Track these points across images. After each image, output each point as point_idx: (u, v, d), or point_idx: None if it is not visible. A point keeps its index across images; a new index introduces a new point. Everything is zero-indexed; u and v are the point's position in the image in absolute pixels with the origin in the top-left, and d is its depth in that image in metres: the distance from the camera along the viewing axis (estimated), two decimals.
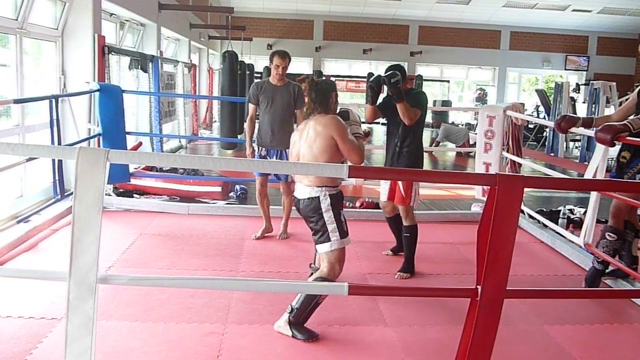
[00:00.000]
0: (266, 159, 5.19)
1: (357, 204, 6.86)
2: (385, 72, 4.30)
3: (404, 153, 4.48)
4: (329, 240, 3.39)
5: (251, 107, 5.28)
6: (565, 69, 23.82)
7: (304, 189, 3.41)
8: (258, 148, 5.29)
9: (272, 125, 5.16)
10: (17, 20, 5.89)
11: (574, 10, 21.02)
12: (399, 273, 4.51)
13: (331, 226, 3.38)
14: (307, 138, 3.44)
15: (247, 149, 5.38)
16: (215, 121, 16.69)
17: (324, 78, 4.77)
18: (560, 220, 6.21)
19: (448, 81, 24.17)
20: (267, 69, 16.37)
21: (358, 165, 3.31)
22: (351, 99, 22.15)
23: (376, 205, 6.75)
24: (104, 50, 7.04)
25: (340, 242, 3.40)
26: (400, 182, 4.42)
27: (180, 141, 12.36)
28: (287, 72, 5.23)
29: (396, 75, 4.18)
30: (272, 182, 5.53)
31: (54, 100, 5.41)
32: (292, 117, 5.28)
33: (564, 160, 12.89)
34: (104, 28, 7.43)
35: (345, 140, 3.36)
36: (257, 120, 5.35)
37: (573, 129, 4.48)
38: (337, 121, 3.42)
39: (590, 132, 4.37)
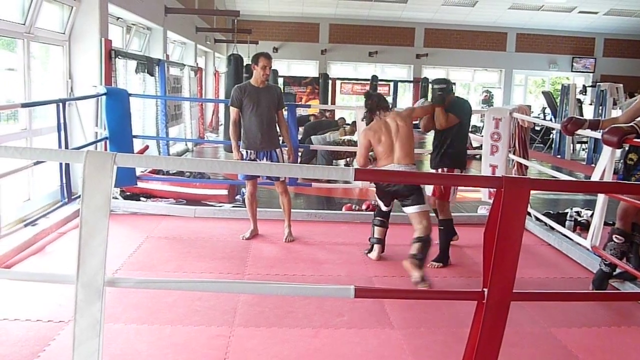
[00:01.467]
0: (256, 161, 5.19)
1: (364, 207, 6.86)
2: (435, 82, 4.98)
3: (446, 154, 4.95)
4: (423, 201, 4.49)
5: (235, 110, 5.22)
6: (572, 71, 23.75)
7: (404, 167, 4.48)
8: (246, 152, 5.25)
9: (261, 127, 5.16)
10: (24, 24, 5.93)
11: (580, 12, 20.97)
12: (432, 262, 4.78)
13: (423, 190, 4.56)
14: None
15: (234, 154, 5.29)
16: (221, 124, 16.71)
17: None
18: (567, 223, 6.19)
19: (454, 83, 24.08)
20: (273, 72, 16.38)
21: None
22: (357, 102, 22.15)
23: None
24: (110, 54, 7.08)
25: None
26: None
27: (186, 144, 12.39)
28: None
29: (443, 83, 4.92)
30: (262, 184, 5.63)
31: (61, 104, 5.44)
32: (275, 118, 5.34)
33: (571, 163, 12.85)
34: (110, 32, 7.47)
35: None
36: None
37: (580, 131, 4.47)
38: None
39: (597, 134, 4.36)
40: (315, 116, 15.48)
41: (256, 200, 5.52)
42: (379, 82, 22.11)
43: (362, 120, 4.97)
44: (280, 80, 20.26)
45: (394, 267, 4.76)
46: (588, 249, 4.69)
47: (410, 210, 4.51)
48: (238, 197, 7.28)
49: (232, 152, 5.30)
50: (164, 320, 3.56)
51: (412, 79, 23.36)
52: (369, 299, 3.89)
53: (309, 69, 22.72)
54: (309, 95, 21.34)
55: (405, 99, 24.13)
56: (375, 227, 5.00)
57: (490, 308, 2.18)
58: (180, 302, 3.77)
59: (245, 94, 5.17)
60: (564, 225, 5.73)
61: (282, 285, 3.11)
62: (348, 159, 10.28)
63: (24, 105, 5.52)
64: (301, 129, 10.80)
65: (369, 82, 22.05)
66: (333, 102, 22.07)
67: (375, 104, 4.68)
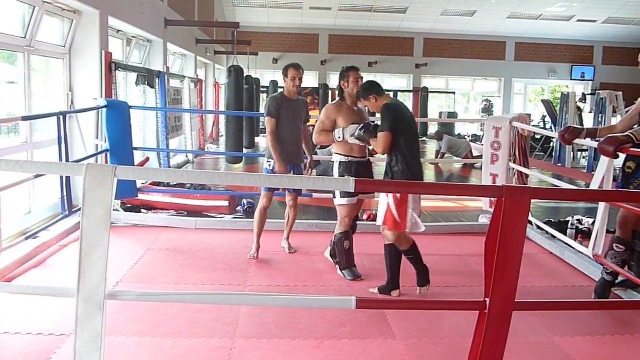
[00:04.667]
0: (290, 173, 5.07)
1: (364, 217, 6.85)
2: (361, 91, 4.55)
3: (392, 173, 4.31)
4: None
5: (272, 121, 5.05)
6: (571, 79, 23.81)
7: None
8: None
9: (292, 139, 5.13)
10: (24, 37, 5.96)
11: (578, 20, 21.06)
12: (418, 288, 4.39)
13: None
14: None
15: (278, 166, 5.00)
16: (221, 135, 16.74)
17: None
18: (568, 231, 6.18)
19: (454, 92, 24.18)
20: (273, 83, 16.40)
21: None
22: None
23: None
24: (110, 67, 7.10)
25: None
26: (392, 204, 4.16)
27: (187, 156, 12.40)
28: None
29: (365, 127, 4.52)
30: (277, 195, 5.54)
31: (61, 117, 5.45)
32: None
33: (571, 170, 12.85)
34: (110, 44, 7.50)
35: None
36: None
37: (577, 140, 4.47)
38: None
39: (595, 143, 4.36)
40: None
41: (266, 216, 5.26)
42: None
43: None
44: (279, 91, 20.23)
45: None
46: (590, 257, 4.68)
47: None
48: (239, 208, 7.28)
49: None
50: (165, 332, 3.55)
51: (411, 89, 23.43)
52: (371, 309, 3.87)
53: (308, 79, 22.76)
54: (309, 106, 21.28)
55: None
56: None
57: (492, 317, 2.18)
58: (181, 314, 3.76)
59: (281, 105, 5.11)
60: (565, 234, 5.72)
61: (283, 297, 3.11)
62: None
63: (25, 118, 5.53)
64: None
65: None
66: None
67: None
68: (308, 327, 3.69)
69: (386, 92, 4.53)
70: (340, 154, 4.75)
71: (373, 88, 4.42)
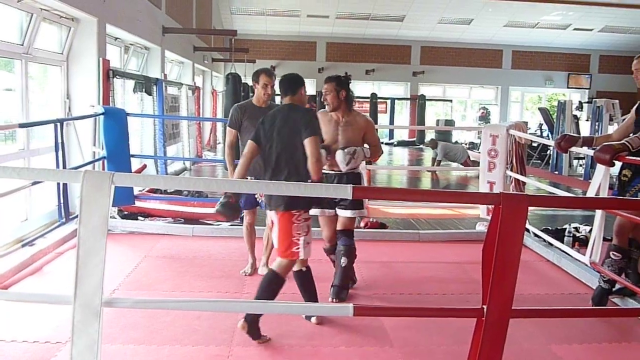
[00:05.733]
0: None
1: (362, 224, 6.84)
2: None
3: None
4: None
5: (232, 132, 4.67)
6: (568, 87, 23.90)
7: None
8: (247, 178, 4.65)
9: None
10: (22, 45, 5.96)
11: (575, 29, 21.19)
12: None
13: None
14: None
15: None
16: (219, 143, 16.74)
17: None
18: (565, 239, 6.19)
19: (451, 100, 24.25)
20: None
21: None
22: None
23: (381, 225, 6.75)
24: (108, 74, 7.11)
25: None
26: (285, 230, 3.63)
27: (184, 163, 12.40)
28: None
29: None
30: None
31: (59, 124, 5.45)
32: None
33: (568, 179, 12.87)
34: (108, 52, 7.51)
35: None
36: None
37: (574, 148, 4.48)
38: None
39: (592, 152, 4.37)
40: None
41: (254, 230, 4.97)
42: (377, 100, 22.26)
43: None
44: (278, 99, 20.28)
45: (393, 285, 4.75)
46: (587, 265, 4.68)
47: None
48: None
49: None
50: (162, 340, 3.53)
51: (409, 97, 23.49)
52: (369, 317, 3.87)
53: (306, 87, 22.81)
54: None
55: (402, 117, 24.25)
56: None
57: (489, 325, 2.18)
58: (178, 322, 3.75)
59: (245, 114, 4.65)
60: (562, 241, 5.72)
61: (281, 304, 3.10)
62: None
63: (22, 126, 5.52)
64: None
65: (367, 99, 22.17)
66: None
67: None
68: (306, 335, 3.68)
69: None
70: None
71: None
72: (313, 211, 4.03)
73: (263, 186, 3.39)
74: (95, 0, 6.90)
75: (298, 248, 3.58)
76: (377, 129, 4.47)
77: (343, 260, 4.30)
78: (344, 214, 4.34)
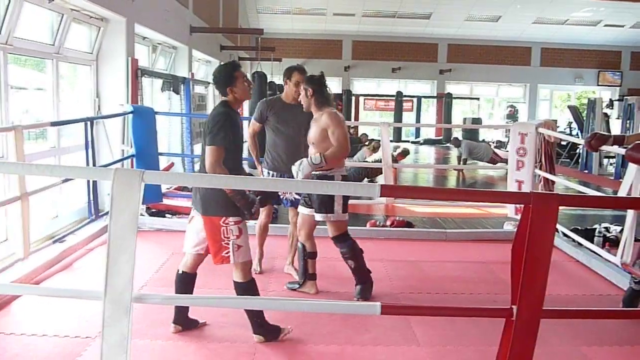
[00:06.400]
0: None
1: (388, 223, 6.83)
2: None
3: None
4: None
5: (255, 124, 4.72)
6: (598, 85, 23.50)
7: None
8: (269, 173, 4.72)
9: (288, 149, 4.60)
10: (53, 45, 6.06)
11: (606, 26, 20.82)
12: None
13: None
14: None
15: (258, 170, 4.86)
16: (245, 141, 16.78)
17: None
18: (595, 239, 6.08)
19: (478, 99, 24.02)
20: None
21: None
22: (380, 117, 22.19)
23: (407, 224, 6.72)
24: (137, 73, 7.19)
25: None
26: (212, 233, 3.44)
27: None
28: None
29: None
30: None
31: (89, 123, 5.53)
32: (304, 140, 4.54)
33: (598, 178, 12.66)
34: (137, 51, 7.60)
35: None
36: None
37: (604, 147, 4.40)
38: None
39: (623, 150, 4.29)
40: None
41: (268, 230, 5.00)
42: (403, 98, 22.15)
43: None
44: None
45: (420, 284, 4.72)
46: (618, 266, 4.60)
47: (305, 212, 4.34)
48: None
49: (256, 168, 4.93)
50: (189, 336, 3.56)
51: (435, 95, 23.34)
52: (395, 316, 3.85)
53: (332, 85, 22.65)
54: None
55: (429, 115, 24.10)
56: (309, 261, 4.44)
57: (519, 325, 2.15)
58: (205, 318, 3.77)
59: (272, 109, 4.64)
60: (592, 241, 5.63)
61: (306, 302, 3.11)
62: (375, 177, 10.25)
63: (54, 124, 5.62)
64: None
65: (392, 98, 22.08)
66: (357, 119, 22.13)
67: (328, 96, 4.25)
68: (331, 333, 3.68)
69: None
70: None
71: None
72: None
73: (292, 185, 3.40)
74: (124, 1, 6.98)
75: (228, 252, 3.36)
76: (346, 127, 4.25)
77: (350, 264, 4.34)
78: (307, 211, 4.35)
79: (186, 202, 7.09)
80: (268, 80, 13.14)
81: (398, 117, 21.97)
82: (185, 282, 3.61)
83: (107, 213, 5.37)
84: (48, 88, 6.15)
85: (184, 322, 3.61)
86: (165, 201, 6.84)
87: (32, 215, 4.57)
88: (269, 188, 4.10)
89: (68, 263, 4.96)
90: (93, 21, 6.75)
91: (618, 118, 15.48)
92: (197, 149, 11.09)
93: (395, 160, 9.98)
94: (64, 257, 5.01)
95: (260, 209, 4.48)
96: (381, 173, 9.63)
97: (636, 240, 4.44)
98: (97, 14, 6.71)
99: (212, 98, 12.40)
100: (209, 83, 12.36)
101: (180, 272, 3.64)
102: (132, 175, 2.08)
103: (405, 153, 11.72)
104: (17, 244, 4.51)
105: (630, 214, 4.34)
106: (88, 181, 5.58)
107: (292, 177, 4.34)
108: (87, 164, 5.53)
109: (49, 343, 3.42)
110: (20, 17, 5.23)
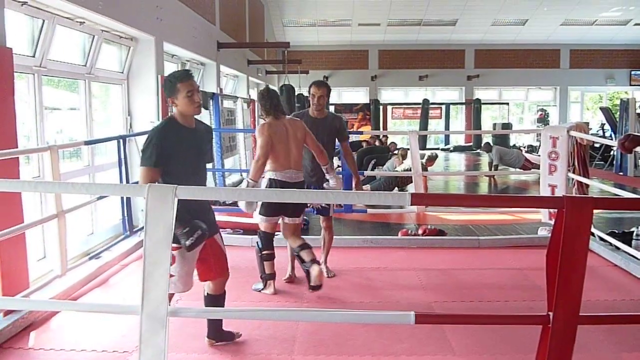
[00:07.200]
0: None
1: (420, 232, 6.78)
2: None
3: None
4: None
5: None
6: (631, 85, 23.06)
7: (299, 173, 4.49)
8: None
9: (313, 160, 4.74)
10: (85, 65, 6.20)
11: (635, 24, 20.44)
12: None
13: None
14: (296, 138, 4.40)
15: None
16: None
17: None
18: (633, 242, 5.94)
19: (507, 103, 23.77)
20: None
21: None
22: (409, 126, 22.12)
23: (439, 232, 6.67)
24: None
25: None
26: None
27: (241, 174, 12.58)
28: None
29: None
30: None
31: (121, 140, 5.63)
32: (332, 151, 4.90)
33: (634, 179, 12.39)
34: (166, 69, 7.72)
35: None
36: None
37: (639, 148, 4.32)
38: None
39: None
40: (367, 142, 15.50)
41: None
42: (431, 105, 22.03)
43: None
44: (332, 108, 20.47)
45: (454, 292, 4.68)
46: None
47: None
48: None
49: None
50: (224, 350, 3.59)
51: (464, 101, 23.18)
52: (430, 325, 3.82)
53: (359, 95, 22.85)
54: (360, 122, 21.46)
55: (458, 121, 23.94)
56: (265, 263, 4.68)
57: (556, 332, 2.12)
58: (239, 331, 3.80)
59: None
60: (630, 245, 5.51)
61: (340, 313, 3.10)
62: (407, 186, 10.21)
63: (87, 143, 5.74)
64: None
65: (420, 106, 21.98)
66: (385, 128, 22.09)
67: (271, 106, 4.44)
68: (366, 344, 3.66)
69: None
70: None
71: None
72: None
73: (322, 196, 3.41)
74: (152, 20, 7.11)
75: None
76: (266, 136, 4.41)
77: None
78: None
79: (219, 216, 7.15)
80: (296, 93, 13.20)
81: (424, 125, 21.79)
82: (213, 303, 3.59)
83: (141, 229, 5.44)
84: (81, 108, 6.28)
85: (217, 335, 3.65)
86: None
87: (68, 233, 4.67)
88: (310, 200, 4.50)
89: (104, 279, 5.04)
90: (123, 41, 6.89)
91: None
92: (228, 163, 11.22)
93: (424, 167, 9.93)
94: (100, 273, 5.10)
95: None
96: (411, 182, 9.58)
97: None
98: (127, 33, 6.85)
99: (241, 112, 12.52)
100: (237, 97, 12.50)
101: (205, 293, 3.66)
102: (165, 191, 2.11)
103: (433, 158, 11.67)
104: (55, 261, 4.61)
105: None
106: (122, 198, 5.67)
107: (317, 187, 4.78)
108: (121, 181, 5.62)
109: (88, 357, 3.48)
110: (53, 39, 5.37)
